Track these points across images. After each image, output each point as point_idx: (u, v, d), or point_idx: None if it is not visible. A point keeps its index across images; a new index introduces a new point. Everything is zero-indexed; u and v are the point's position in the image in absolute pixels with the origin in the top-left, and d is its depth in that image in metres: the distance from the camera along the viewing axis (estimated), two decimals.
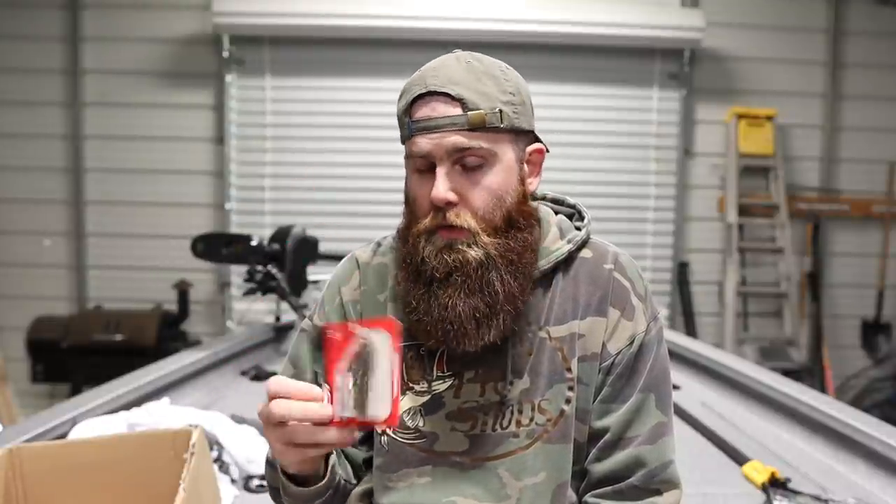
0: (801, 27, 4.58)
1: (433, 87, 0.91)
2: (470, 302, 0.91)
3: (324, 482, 0.92)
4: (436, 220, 0.92)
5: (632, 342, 0.97)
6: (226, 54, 4.42)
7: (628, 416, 0.96)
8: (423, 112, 0.91)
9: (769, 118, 4.51)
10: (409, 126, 0.92)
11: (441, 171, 0.91)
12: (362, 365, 0.76)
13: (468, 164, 0.91)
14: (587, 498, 0.96)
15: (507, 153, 0.94)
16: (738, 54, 4.57)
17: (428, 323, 0.92)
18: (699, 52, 4.48)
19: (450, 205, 0.91)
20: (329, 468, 0.93)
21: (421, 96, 0.92)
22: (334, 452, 0.96)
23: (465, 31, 4.20)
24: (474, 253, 0.91)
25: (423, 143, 0.91)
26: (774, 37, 4.58)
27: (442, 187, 0.90)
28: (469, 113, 0.90)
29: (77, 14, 4.43)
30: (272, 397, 0.79)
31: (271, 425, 0.80)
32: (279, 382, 0.80)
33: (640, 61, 4.51)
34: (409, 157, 0.94)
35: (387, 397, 0.76)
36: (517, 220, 0.95)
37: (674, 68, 4.52)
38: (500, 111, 0.92)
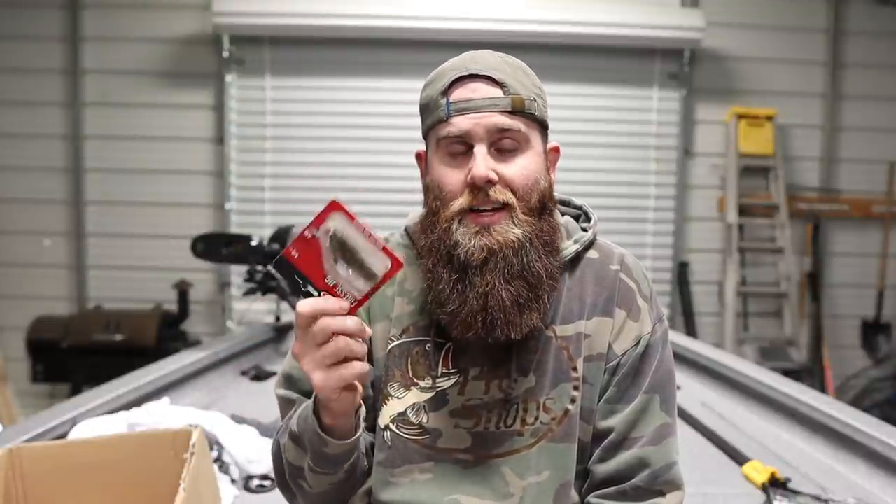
0: (801, 27, 4.58)
1: (475, 71, 0.92)
2: (511, 288, 0.90)
3: (358, 433, 0.90)
4: (475, 200, 0.91)
5: (637, 343, 0.98)
6: (226, 54, 4.42)
7: (633, 416, 0.96)
8: (463, 93, 0.92)
9: (769, 118, 4.51)
10: (448, 107, 0.91)
11: (481, 150, 0.90)
12: (339, 248, 0.78)
13: (504, 147, 0.92)
14: (590, 498, 0.96)
15: (538, 142, 0.96)
16: (738, 54, 4.57)
17: (467, 314, 0.90)
18: (699, 52, 4.48)
19: (490, 183, 0.90)
20: (358, 420, 0.90)
21: (461, 79, 0.92)
22: (362, 405, 0.93)
23: (465, 31, 4.19)
24: (515, 233, 0.90)
25: (463, 122, 0.91)
26: (774, 37, 4.58)
27: (483, 166, 0.90)
28: (511, 95, 0.91)
29: (77, 14, 4.42)
30: (309, 317, 0.77)
31: (315, 348, 0.78)
32: (307, 304, 0.78)
33: (640, 61, 4.51)
34: (441, 139, 0.93)
35: (378, 252, 0.78)
36: (549, 206, 0.96)
37: (674, 68, 4.52)
38: (535, 100, 0.94)
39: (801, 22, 4.57)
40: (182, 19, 4.45)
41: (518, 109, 0.92)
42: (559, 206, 1.07)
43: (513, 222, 0.91)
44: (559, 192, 1.08)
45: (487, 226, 0.90)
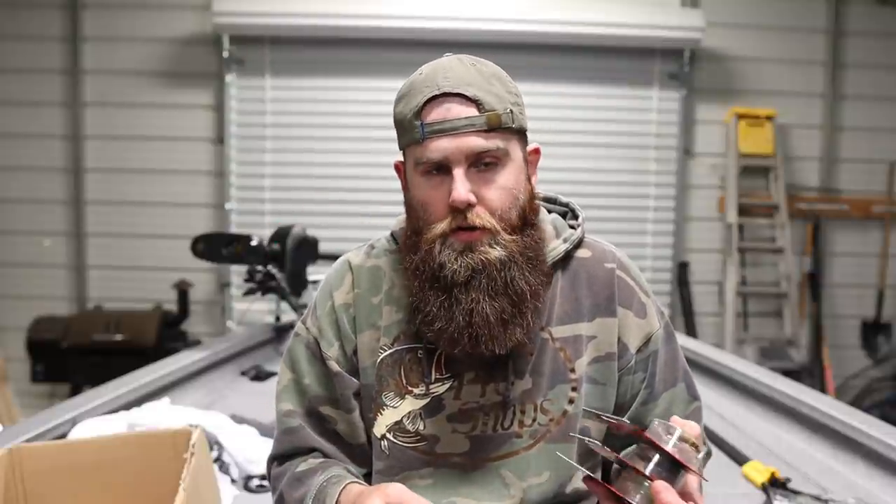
0: (801, 27, 4.58)
1: (447, 89, 0.89)
2: (496, 304, 0.90)
3: None
4: (455, 222, 0.90)
5: (648, 340, 0.99)
6: (226, 54, 4.41)
7: (665, 411, 0.98)
8: (437, 114, 0.89)
9: (769, 118, 4.51)
10: (422, 129, 0.89)
11: (459, 173, 0.89)
12: None
13: (483, 165, 0.90)
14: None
15: (517, 152, 0.94)
16: (738, 54, 4.57)
17: (454, 330, 0.90)
18: (699, 52, 4.48)
19: (470, 206, 0.89)
20: None
21: (434, 98, 0.89)
22: None
23: (464, 31, 4.19)
24: (497, 253, 0.90)
25: (440, 145, 0.89)
26: (774, 37, 4.58)
27: (462, 189, 0.88)
28: (486, 113, 0.89)
29: (77, 14, 4.42)
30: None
31: None
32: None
33: (640, 61, 4.50)
34: (419, 162, 0.91)
35: None
36: (530, 218, 0.95)
37: (674, 68, 4.52)
38: (511, 111, 0.91)
39: (801, 22, 4.57)
40: (182, 19, 4.45)
41: (494, 126, 0.89)
42: (545, 204, 1.06)
43: (494, 243, 0.90)
44: (558, 192, 1.08)
45: (471, 244, 0.90)
